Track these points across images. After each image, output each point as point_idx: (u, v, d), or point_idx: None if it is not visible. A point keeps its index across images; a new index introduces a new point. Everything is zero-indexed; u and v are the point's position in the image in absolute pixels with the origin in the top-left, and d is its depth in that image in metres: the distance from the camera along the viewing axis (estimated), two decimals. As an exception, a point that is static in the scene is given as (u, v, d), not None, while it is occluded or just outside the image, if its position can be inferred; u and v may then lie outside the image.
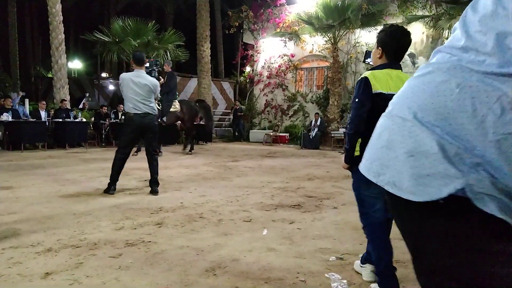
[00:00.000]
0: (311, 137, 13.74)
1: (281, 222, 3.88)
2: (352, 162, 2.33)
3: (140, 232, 3.40)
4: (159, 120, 9.84)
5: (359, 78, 2.33)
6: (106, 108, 13.67)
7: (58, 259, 2.74)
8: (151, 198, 4.85)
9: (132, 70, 5.33)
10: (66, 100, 12.47)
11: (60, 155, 9.20)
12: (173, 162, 8.74)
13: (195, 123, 11.50)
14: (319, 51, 15.89)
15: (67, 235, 3.26)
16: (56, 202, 4.47)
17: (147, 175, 6.56)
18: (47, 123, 10.86)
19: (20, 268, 2.57)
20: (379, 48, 2.41)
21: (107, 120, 12.55)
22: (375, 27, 13.75)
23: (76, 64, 28.88)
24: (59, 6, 13.19)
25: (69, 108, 12.57)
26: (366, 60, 2.69)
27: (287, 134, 15.96)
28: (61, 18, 13.20)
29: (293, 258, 2.90)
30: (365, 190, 2.34)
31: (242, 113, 17.12)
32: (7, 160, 8.13)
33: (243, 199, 4.88)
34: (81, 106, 15.32)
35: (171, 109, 10.12)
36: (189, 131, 11.09)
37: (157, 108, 9.75)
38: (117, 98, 19.98)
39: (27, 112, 11.64)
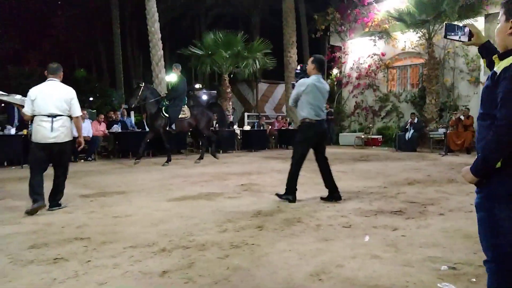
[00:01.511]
0: (407, 138, 13.04)
1: (383, 228, 3.74)
2: (488, 175, 1.69)
3: (243, 235, 3.53)
4: (168, 128, 9.51)
5: (508, 64, 1.63)
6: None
7: (172, 258, 2.96)
8: (249, 202, 5.01)
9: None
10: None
11: (163, 162, 9.92)
12: (266, 166, 8.93)
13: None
14: (412, 48, 15.08)
15: (178, 236, 3.50)
16: (165, 206, 4.83)
17: (243, 179, 6.83)
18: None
19: (140, 266, 2.82)
20: None
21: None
22: (475, 18, 12.65)
23: (172, 77, 31.01)
24: (157, 25, 14.31)
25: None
26: (449, 35, 2.01)
27: (380, 136, 15.34)
28: (160, 35, 14.30)
29: (400, 266, 2.78)
30: (503, 210, 1.66)
31: (331, 116, 16.88)
32: (119, 167, 8.99)
33: (340, 204, 4.81)
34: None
35: (180, 116, 9.52)
36: (208, 137, 10.21)
37: (164, 116, 9.47)
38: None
39: (133, 123, 12.79)
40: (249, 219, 4.10)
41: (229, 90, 15.85)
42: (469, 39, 1.98)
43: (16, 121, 10.96)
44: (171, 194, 5.61)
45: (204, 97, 23.13)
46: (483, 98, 1.76)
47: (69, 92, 4.68)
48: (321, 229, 3.74)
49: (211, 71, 17.21)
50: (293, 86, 5.17)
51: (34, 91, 4.55)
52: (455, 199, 5.02)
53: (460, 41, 1.99)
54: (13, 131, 9.28)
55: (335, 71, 19.13)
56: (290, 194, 4.91)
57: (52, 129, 4.48)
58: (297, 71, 5.26)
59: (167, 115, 9.27)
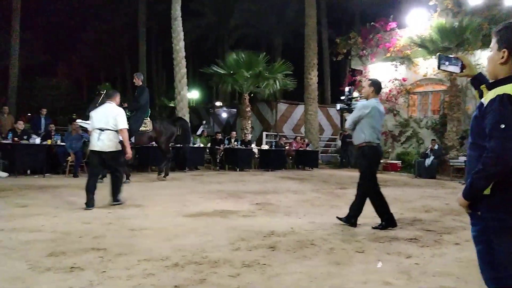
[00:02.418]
0: (426, 165, 12.87)
1: (397, 255, 3.71)
2: (477, 200, 1.74)
3: (255, 254, 3.55)
4: None
5: (494, 96, 1.67)
6: (220, 134, 14.61)
7: (184, 273, 3.00)
8: (264, 221, 5.03)
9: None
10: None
11: (181, 177, 10.05)
12: (282, 186, 8.94)
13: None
14: (434, 75, 15.00)
15: (191, 252, 3.55)
16: (180, 221, 4.90)
17: (258, 198, 6.86)
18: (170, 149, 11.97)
19: (153, 279, 2.88)
20: (504, 50, 1.72)
21: (221, 146, 13.37)
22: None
23: (194, 94, 31.53)
24: (182, 44, 14.69)
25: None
26: (442, 66, 2.02)
27: (399, 162, 15.17)
28: (184, 54, 14.66)
29: (412, 294, 2.75)
30: (501, 243, 1.68)
31: (350, 140, 16.81)
32: (137, 181, 9.14)
33: (354, 229, 4.78)
34: (199, 132, 16.63)
35: (141, 128, 9.01)
36: (165, 153, 9.71)
37: None
38: (229, 126, 21.29)
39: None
40: (262, 239, 4.12)
41: (248, 109, 16.03)
42: (461, 71, 2.04)
43: (42, 130, 11.34)
44: (186, 209, 5.68)
45: (224, 115, 23.42)
46: (472, 128, 1.80)
47: (116, 111, 5.78)
48: (334, 252, 3.73)
49: (232, 89, 17.46)
50: (341, 109, 5.23)
51: (93, 112, 5.91)
52: (473, 229, 4.93)
53: (453, 72, 2.05)
54: (37, 140, 9.56)
55: (355, 94, 19.12)
56: (384, 220, 4.76)
57: (98, 139, 5.58)
58: (346, 94, 5.27)
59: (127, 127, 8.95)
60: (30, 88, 21.09)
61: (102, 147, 5.60)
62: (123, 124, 5.75)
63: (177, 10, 14.57)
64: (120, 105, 8.47)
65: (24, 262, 3.14)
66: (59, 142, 9.82)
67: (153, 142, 9.96)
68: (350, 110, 5.18)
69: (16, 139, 9.26)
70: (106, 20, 31.22)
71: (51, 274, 2.90)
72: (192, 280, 2.87)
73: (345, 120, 5.76)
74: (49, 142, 9.59)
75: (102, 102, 8.42)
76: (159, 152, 10.36)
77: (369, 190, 4.84)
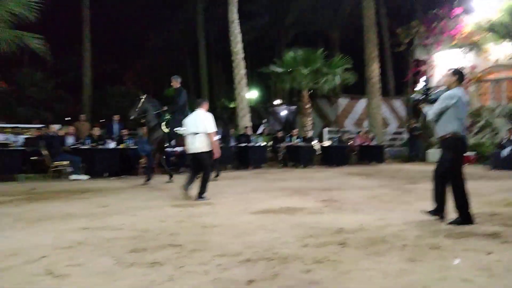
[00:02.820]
0: (503, 156, 11.99)
1: (475, 252, 3.52)
2: None
3: (325, 251, 3.56)
4: (167, 144, 8.98)
5: None
6: (281, 132, 14.70)
7: (257, 269, 3.09)
8: (331, 218, 5.01)
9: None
10: (248, 127, 13.94)
11: (245, 176, 10.26)
12: (347, 183, 8.81)
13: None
14: (508, 60, 13.94)
15: (261, 248, 3.64)
16: (248, 218, 5.03)
17: (324, 195, 6.83)
18: (233, 148, 12.30)
19: (228, 274, 2.99)
20: None
21: (283, 144, 13.44)
22: None
23: (253, 94, 31.93)
24: (240, 46, 14.97)
25: (250, 134, 13.95)
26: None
27: (473, 153, 14.26)
28: (243, 55, 14.93)
29: (495, 292, 2.62)
30: None
31: (418, 132, 16.11)
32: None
33: (427, 225, 4.60)
34: (260, 131, 16.85)
35: (181, 131, 9.03)
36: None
37: (163, 130, 8.86)
38: (289, 123, 21.32)
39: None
40: (330, 236, 4.11)
41: (308, 105, 15.96)
42: None
43: (115, 135, 12.14)
44: (253, 207, 5.80)
45: (284, 113, 23.47)
46: None
47: (204, 116, 6.44)
48: (407, 249, 3.63)
49: (291, 87, 17.47)
50: (418, 101, 5.05)
51: (186, 119, 6.75)
52: (562, 225, 4.54)
53: None
54: (112, 145, 10.25)
55: (420, 85, 18.28)
56: (461, 215, 4.56)
57: (192, 143, 6.39)
58: (423, 84, 5.08)
59: (167, 130, 8.70)
60: (102, 96, 22.58)
61: (195, 149, 6.39)
62: (211, 128, 6.39)
63: (234, 13, 14.86)
64: (158, 107, 8.94)
65: (109, 257, 3.40)
66: (131, 146, 10.46)
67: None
68: (427, 101, 4.95)
69: (93, 144, 10.02)
70: (167, 29, 32.56)
71: (134, 269, 3.12)
72: (265, 275, 2.95)
73: (422, 112, 5.43)
74: (122, 146, 10.24)
75: (142, 107, 8.78)
76: (224, 151, 10.62)
77: (457, 183, 4.56)
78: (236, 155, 12.35)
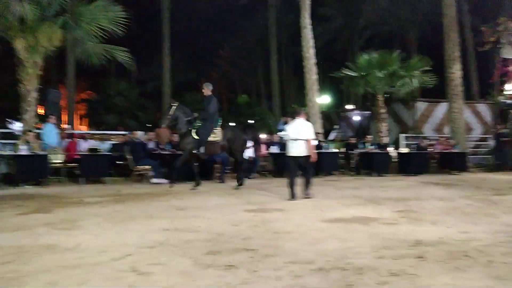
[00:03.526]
0: None
1: None
2: None
3: (401, 263, 3.43)
4: (196, 152, 8.81)
5: None
6: (354, 138, 14.37)
7: (330, 278, 3.07)
8: (408, 230, 4.80)
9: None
10: (319, 133, 13.82)
11: (316, 183, 10.15)
12: (425, 193, 8.35)
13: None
14: None
15: (334, 257, 3.61)
16: (320, 226, 5.00)
17: (400, 205, 6.56)
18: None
19: (300, 281, 3.01)
20: None
21: (356, 150, 13.13)
22: None
23: (324, 99, 31.58)
24: (312, 51, 14.90)
25: (322, 140, 13.80)
26: None
27: None
28: (314, 61, 14.85)
29: None
30: None
31: (506, 138, 14.81)
32: (277, 186, 9.55)
33: (517, 240, 4.23)
34: (331, 137, 16.60)
35: (211, 138, 8.84)
36: (240, 162, 9.42)
37: (194, 137, 8.71)
38: (362, 129, 20.73)
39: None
40: (408, 248, 3.95)
41: (383, 110, 15.41)
42: None
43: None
44: (324, 215, 5.75)
45: (357, 118, 22.89)
46: None
47: (305, 124, 7.38)
48: (493, 266, 3.38)
49: (365, 91, 17.00)
50: (510, 105, 4.71)
51: (288, 126, 7.59)
52: None
53: None
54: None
55: (508, 86, 16.84)
56: None
57: (293, 147, 7.19)
58: None
59: (197, 136, 8.72)
60: (180, 103, 23.82)
61: (297, 153, 7.19)
62: (311, 135, 7.30)
63: (306, 19, 14.86)
64: (189, 114, 8.92)
65: (188, 258, 3.59)
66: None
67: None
68: None
69: (173, 150, 10.60)
70: (240, 36, 33.46)
71: (211, 271, 3.26)
72: (338, 285, 2.93)
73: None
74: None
75: (174, 115, 8.86)
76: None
77: None
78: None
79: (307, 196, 7.25)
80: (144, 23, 23.81)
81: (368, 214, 5.75)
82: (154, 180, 10.26)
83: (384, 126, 15.26)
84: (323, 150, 12.49)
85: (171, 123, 9.04)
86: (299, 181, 7.46)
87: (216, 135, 8.90)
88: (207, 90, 8.99)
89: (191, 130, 8.81)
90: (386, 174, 12.71)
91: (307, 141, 7.20)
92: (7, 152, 9.71)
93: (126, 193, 8.22)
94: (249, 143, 9.90)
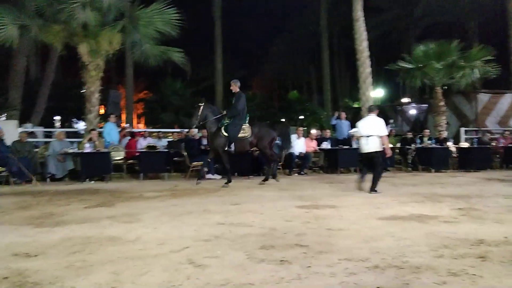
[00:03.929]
0: None
1: None
2: None
3: (462, 263, 3.29)
4: (226, 149, 8.69)
5: None
6: (410, 133, 13.85)
7: (386, 276, 3.02)
8: (468, 229, 4.58)
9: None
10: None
11: (370, 179, 9.95)
12: (488, 189, 7.90)
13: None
14: None
15: (390, 255, 3.53)
16: (375, 223, 4.90)
17: (460, 203, 6.27)
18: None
19: (355, 278, 2.99)
20: None
21: (413, 145, 12.66)
22: None
23: (378, 92, 30.67)
24: (365, 43, 14.55)
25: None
26: None
27: None
28: (368, 53, 14.48)
29: None
30: None
31: None
32: (328, 182, 9.50)
33: None
34: (387, 132, 16.06)
35: (240, 135, 8.80)
36: (269, 158, 9.31)
37: (224, 135, 8.63)
38: (419, 123, 19.91)
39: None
40: (468, 247, 3.77)
41: (442, 103, 14.70)
42: None
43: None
44: (380, 212, 5.63)
45: (413, 112, 22.01)
46: None
47: (377, 121, 7.49)
48: None
49: (422, 84, 16.30)
50: None
51: (360, 122, 7.78)
52: None
53: None
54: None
55: None
56: None
57: (366, 143, 7.44)
58: None
59: (226, 134, 8.70)
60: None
61: (369, 149, 7.43)
62: (384, 131, 7.49)
63: (358, 11, 14.53)
64: (217, 112, 8.94)
65: (242, 252, 3.68)
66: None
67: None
68: None
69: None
70: (291, 32, 33.32)
71: (265, 265, 3.32)
72: (394, 283, 2.87)
73: None
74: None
75: (202, 114, 8.79)
76: (347, 154, 10.49)
77: None
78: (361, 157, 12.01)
79: (373, 192, 7.34)
80: (197, 23, 24.40)
81: (426, 212, 5.55)
82: (208, 176, 10.56)
83: (443, 120, 14.56)
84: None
85: (199, 123, 8.99)
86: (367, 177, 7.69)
87: (246, 132, 8.89)
88: (235, 87, 8.91)
89: (220, 128, 8.78)
90: (445, 170, 12.16)
91: (381, 137, 7.43)
92: (73, 150, 10.39)
93: (183, 188, 8.53)
94: (278, 139, 9.76)
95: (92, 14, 10.18)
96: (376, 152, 7.41)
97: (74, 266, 3.34)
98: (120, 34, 10.92)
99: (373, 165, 7.55)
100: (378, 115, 7.82)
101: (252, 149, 9.81)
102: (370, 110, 7.91)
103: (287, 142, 9.97)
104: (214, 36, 24.10)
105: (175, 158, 11.30)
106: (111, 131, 11.16)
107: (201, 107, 8.83)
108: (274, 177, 9.35)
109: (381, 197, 6.97)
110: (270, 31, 36.68)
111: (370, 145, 7.40)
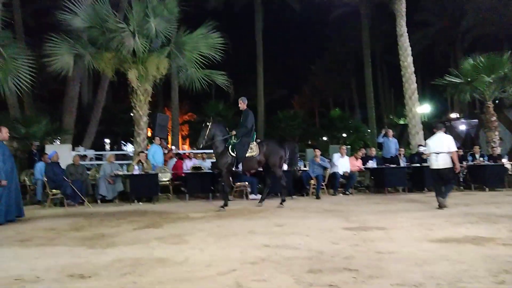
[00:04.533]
0: None
1: None
2: None
3: (527, 291, 3.07)
4: (233, 169, 8.36)
5: None
6: (461, 150, 13.25)
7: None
8: (532, 252, 4.27)
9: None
10: (421, 145, 13.01)
11: (420, 199, 9.57)
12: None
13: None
14: None
15: (445, 280, 3.35)
16: (427, 246, 4.68)
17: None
18: (406, 168, 11.60)
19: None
20: None
21: (464, 163, 12.08)
22: None
23: (424, 108, 29.71)
24: (410, 59, 14.26)
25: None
26: None
27: None
28: (413, 69, 14.16)
29: None
30: None
31: None
32: (375, 202, 9.22)
33: None
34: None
35: (248, 154, 8.50)
36: (279, 178, 8.89)
37: (231, 155, 8.27)
38: (470, 139, 19.05)
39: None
40: (534, 273, 3.51)
41: (494, 118, 14.01)
42: None
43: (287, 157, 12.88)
44: (432, 234, 5.37)
45: (463, 127, 21.14)
46: None
47: (447, 138, 7.82)
48: None
49: (471, 98, 15.64)
50: None
51: (429, 140, 8.06)
52: None
53: None
54: (285, 167, 10.84)
55: None
56: None
57: (436, 160, 7.75)
58: None
59: (234, 154, 8.44)
60: (275, 121, 24.34)
61: (439, 165, 7.74)
62: (453, 147, 7.76)
63: (402, 27, 14.33)
64: (225, 132, 8.64)
65: (290, 276, 3.62)
66: (302, 168, 10.94)
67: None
68: None
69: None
70: (333, 50, 33.27)
71: (313, 289, 3.25)
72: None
73: None
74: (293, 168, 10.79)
75: (210, 134, 8.52)
76: (395, 173, 10.18)
77: None
78: (410, 176, 11.61)
79: (444, 206, 7.69)
80: (238, 44, 24.97)
81: (481, 234, 5.24)
82: (252, 196, 10.59)
83: (495, 135, 13.84)
84: (427, 164, 11.73)
85: (207, 143, 8.69)
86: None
87: (253, 150, 8.66)
88: (243, 104, 8.75)
89: (227, 147, 8.56)
90: (500, 189, 11.47)
91: (452, 153, 7.69)
92: (123, 172, 10.79)
93: (227, 209, 8.57)
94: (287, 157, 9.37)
95: (141, 41, 10.69)
96: (446, 168, 7.69)
97: None
98: (167, 60, 11.37)
99: (444, 182, 7.82)
100: (426, 132, 7.67)
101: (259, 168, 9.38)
102: (437, 127, 8.13)
103: (294, 160, 9.70)
104: (255, 57, 24.51)
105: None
106: (155, 153, 11.50)
107: (209, 126, 8.58)
108: (282, 201, 8.86)
109: (432, 218, 6.67)
110: (310, 50, 36.82)
111: (440, 162, 7.70)
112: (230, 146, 8.48)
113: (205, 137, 8.51)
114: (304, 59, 37.63)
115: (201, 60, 11.59)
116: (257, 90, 24.45)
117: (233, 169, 8.54)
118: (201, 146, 8.89)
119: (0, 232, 6.30)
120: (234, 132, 8.58)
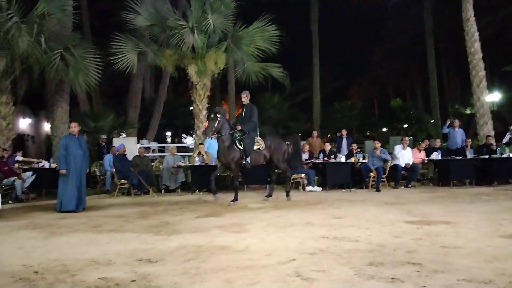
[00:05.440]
0: None
1: None
2: None
3: None
4: (243, 163, 8.08)
5: None
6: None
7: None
8: None
9: None
10: (490, 136, 12.23)
11: (489, 193, 9.02)
12: None
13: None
14: None
15: None
16: (497, 242, 4.43)
17: None
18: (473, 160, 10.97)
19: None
20: None
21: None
22: None
23: (494, 97, 27.70)
24: (477, 45, 13.40)
25: (494, 143, 12.12)
26: None
27: None
28: (481, 55, 13.30)
29: None
30: None
31: None
32: (440, 196, 8.82)
33: None
34: (506, 140, 14.47)
35: (255, 147, 8.32)
36: (284, 172, 8.91)
37: (239, 148, 7.89)
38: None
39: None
40: None
41: None
42: None
43: (343, 149, 12.72)
44: (503, 229, 5.07)
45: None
46: None
47: None
48: None
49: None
50: None
51: None
52: None
53: None
54: (343, 159, 10.73)
55: None
56: None
57: None
58: None
59: (241, 147, 8.21)
60: (331, 112, 23.93)
61: None
62: None
63: (469, 11, 13.48)
64: (232, 126, 8.30)
65: (349, 268, 3.60)
66: (361, 160, 10.72)
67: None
68: None
69: (325, 158, 10.76)
70: (393, 38, 32.00)
71: (374, 282, 3.21)
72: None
73: None
74: (352, 160, 10.61)
75: (217, 126, 8.13)
76: (461, 165, 9.68)
77: None
78: (477, 169, 10.94)
79: None
80: (293, 36, 24.76)
81: None
82: (309, 188, 10.57)
83: None
84: (496, 156, 11.01)
85: (213, 135, 8.53)
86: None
87: (259, 144, 8.54)
88: (247, 98, 8.57)
89: (234, 141, 8.34)
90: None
91: None
92: (185, 163, 11.21)
93: (284, 200, 8.64)
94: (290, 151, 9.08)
95: (199, 37, 11.00)
96: None
97: (189, 273, 3.59)
98: (224, 54, 11.59)
99: None
100: (495, 122, 7.17)
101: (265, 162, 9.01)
102: None
103: (297, 154, 9.47)
104: (311, 48, 24.21)
105: (276, 170, 11.50)
106: (209, 146, 11.79)
107: (218, 118, 8.19)
108: (287, 194, 8.88)
109: (503, 213, 6.28)
110: (369, 38, 35.68)
111: None
112: (237, 140, 8.33)
113: (213, 129, 8.24)
114: (361, 49, 36.58)
115: (257, 53, 11.69)
116: (313, 82, 24.14)
117: (243, 162, 8.37)
118: (207, 138, 8.96)
119: (75, 219, 6.83)
120: (239, 127, 8.33)
